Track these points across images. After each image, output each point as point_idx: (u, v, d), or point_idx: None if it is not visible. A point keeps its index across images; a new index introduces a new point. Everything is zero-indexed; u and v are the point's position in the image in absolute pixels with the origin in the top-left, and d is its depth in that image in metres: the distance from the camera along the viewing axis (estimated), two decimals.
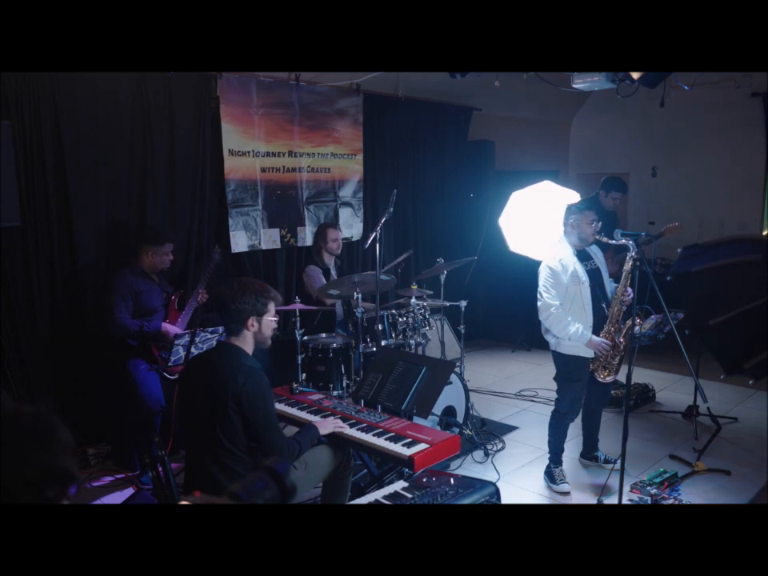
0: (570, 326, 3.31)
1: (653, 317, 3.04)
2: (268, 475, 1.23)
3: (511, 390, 5.26)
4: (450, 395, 3.88)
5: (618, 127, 7.29)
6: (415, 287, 4.33)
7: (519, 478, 3.71)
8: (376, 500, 2.24)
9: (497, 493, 2.27)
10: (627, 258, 3.24)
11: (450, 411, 3.89)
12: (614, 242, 3.22)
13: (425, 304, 4.29)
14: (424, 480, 2.36)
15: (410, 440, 2.66)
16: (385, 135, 5.87)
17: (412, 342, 4.13)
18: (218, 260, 4.05)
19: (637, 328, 3.05)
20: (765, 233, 6.24)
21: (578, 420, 3.75)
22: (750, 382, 2.74)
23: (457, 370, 4.25)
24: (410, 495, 2.24)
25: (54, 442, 1.11)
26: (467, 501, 2.17)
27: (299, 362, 3.88)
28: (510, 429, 4.45)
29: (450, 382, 3.87)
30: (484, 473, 3.70)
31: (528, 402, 5.00)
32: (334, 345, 3.96)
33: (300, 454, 2.57)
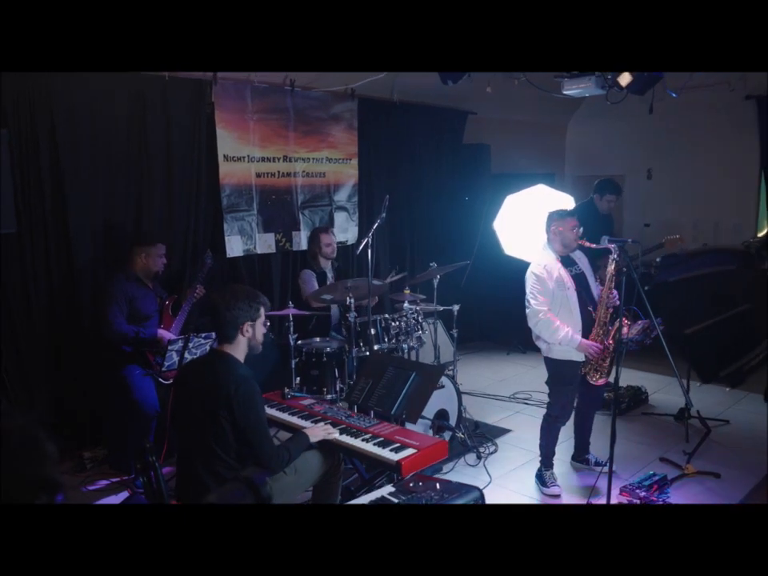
0: (559, 330, 3.35)
1: (640, 322, 3.07)
2: (245, 485, 1.26)
3: (505, 392, 5.29)
4: (442, 398, 3.91)
5: (614, 130, 7.30)
6: (408, 292, 4.36)
7: (511, 481, 3.74)
8: (363, 505, 2.27)
9: (482, 497, 2.30)
10: (609, 259, 3.29)
11: (442, 414, 3.92)
12: (594, 246, 3.27)
13: (418, 308, 4.32)
14: (411, 485, 2.39)
15: (398, 445, 2.70)
16: (380, 139, 5.89)
17: (405, 346, 4.17)
18: (210, 264, 4.09)
19: (624, 329, 3.08)
20: (760, 235, 6.26)
21: (570, 423, 3.78)
22: (727, 390, 2.77)
23: (450, 373, 4.29)
24: (396, 500, 2.27)
25: (40, 455, 1.16)
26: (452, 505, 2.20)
27: (293, 366, 3.91)
28: (504, 432, 4.48)
29: (443, 386, 3.90)
30: (476, 476, 3.74)
31: (522, 404, 5.03)
32: (328, 349, 3.98)
33: (290, 462, 2.61)
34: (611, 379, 3.59)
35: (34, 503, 1.12)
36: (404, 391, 3.09)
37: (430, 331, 4.69)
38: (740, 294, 2.15)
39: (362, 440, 2.77)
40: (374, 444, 2.73)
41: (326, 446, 2.81)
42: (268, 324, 2.67)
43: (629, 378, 5.12)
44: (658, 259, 2.56)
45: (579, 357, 3.44)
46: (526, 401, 5.07)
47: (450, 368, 4.49)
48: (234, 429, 2.43)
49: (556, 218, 3.45)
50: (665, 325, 2.79)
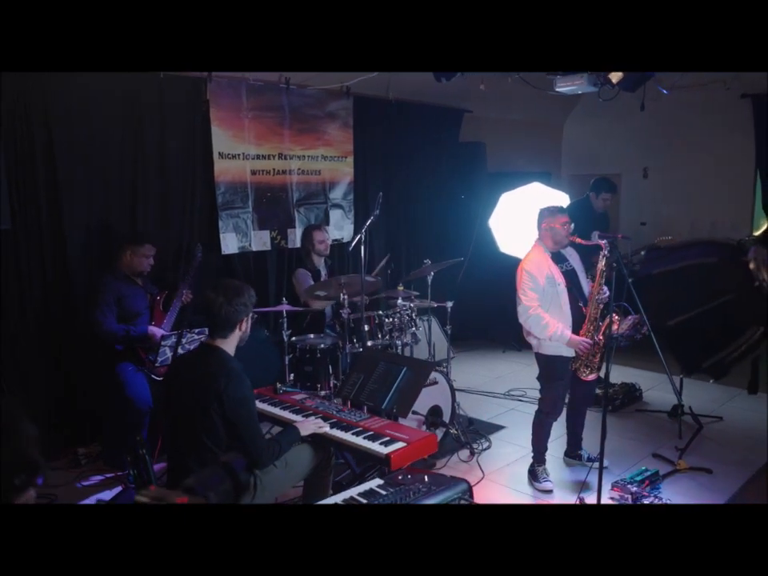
0: (548, 326, 3.36)
1: (630, 317, 3.09)
2: (224, 470, 1.28)
3: (500, 389, 5.30)
4: (436, 395, 3.92)
5: (610, 129, 7.32)
6: (401, 288, 4.37)
7: (503, 477, 3.76)
8: (351, 497, 2.29)
9: (469, 490, 2.31)
10: (600, 256, 3.31)
11: (436, 411, 3.93)
12: (585, 242, 3.29)
13: (412, 305, 4.33)
14: (399, 477, 2.40)
15: (387, 439, 2.71)
16: (375, 137, 5.90)
17: (399, 342, 4.18)
18: (200, 258, 4.11)
19: (614, 325, 3.10)
20: (756, 233, 6.27)
21: (563, 419, 3.80)
22: (711, 381, 2.79)
23: (443, 369, 4.30)
24: (384, 492, 2.28)
25: (18, 433, 1.19)
26: (439, 498, 2.21)
27: (287, 362, 3.93)
28: (497, 428, 4.49)
29: (437, 382, 3.92)
30: (469, 471, 3.75)
31: (516, 401, 5.04)
32: (322, 345, 4.01)
33: (280, 455, 2.62)
34: (602, 374, 3.62)
35: (13, 482, 1.14)
36: (395, 386, 3.11)
37: (424, 328, 4.71)
38: (722, 286, 2.16)
39: (353, 433, 2.78)
40: (364, 437, 2.74)
41: (317, 439, 2.82)
42: (256, 317, 2.69)
43: (623, 375, 5.13)
44: (642, 252, 2.57)
45: (569, 352, 3.45)
46: (520, 398, 5.08)
47: (444, 365, 4.50)
48: (224, 422, 2.44)
49: (547, 214, 3.46)
50: (649, 317, 2.80)
